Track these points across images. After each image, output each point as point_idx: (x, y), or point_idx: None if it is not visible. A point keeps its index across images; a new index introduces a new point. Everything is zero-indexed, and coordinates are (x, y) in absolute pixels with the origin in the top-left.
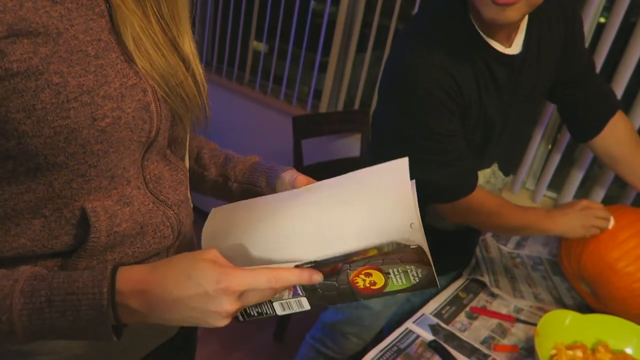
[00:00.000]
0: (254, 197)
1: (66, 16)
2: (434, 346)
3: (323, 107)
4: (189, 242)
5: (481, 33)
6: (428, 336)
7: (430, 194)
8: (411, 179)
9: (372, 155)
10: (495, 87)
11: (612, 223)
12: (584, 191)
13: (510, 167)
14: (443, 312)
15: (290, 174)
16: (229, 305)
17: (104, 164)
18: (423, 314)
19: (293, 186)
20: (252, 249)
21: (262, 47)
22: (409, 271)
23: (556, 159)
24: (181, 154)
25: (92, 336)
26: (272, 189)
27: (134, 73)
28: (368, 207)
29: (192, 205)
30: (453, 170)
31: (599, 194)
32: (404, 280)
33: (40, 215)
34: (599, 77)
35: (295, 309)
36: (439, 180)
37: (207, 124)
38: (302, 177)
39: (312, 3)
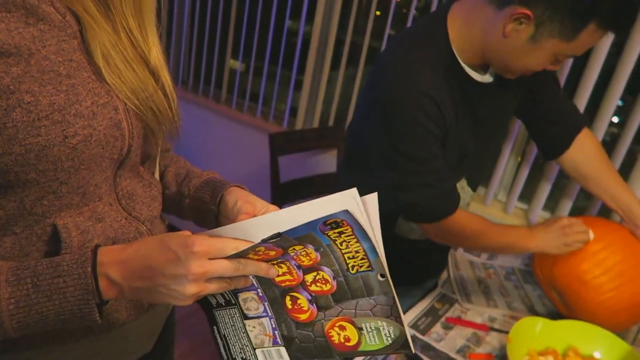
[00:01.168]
0: (204, 212)
1: (39, 37)
2: (410, 357)
3: (299, 124)
4: None
5: (460, 61)
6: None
7: (413, 215)
8: (395, 199)
9: (351, 170)
10: (470, 112)
11: (591, 235)
12: (553, 202)
13: (477, 182)
14: (419, 323)
15: (233, 198)
16: (197, 268)
17: (75, 180)
18: None
19: (235, 214)
20: None
21: (238, 65)
22: (381, 329)
23: (526, 170)
24: (152, 170)
25: (77, 317)
26: (217, 205)
27: (105, 92)
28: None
29: (167, 221)
30: (435, 192)
31: (567, 204)
32: (377, 340)
33: (11, 232)
34: (564, 94)
35: (276, 358)
36: (421, 201)
37: (178, 135)
38: (244, 206)
39: (288, 22)
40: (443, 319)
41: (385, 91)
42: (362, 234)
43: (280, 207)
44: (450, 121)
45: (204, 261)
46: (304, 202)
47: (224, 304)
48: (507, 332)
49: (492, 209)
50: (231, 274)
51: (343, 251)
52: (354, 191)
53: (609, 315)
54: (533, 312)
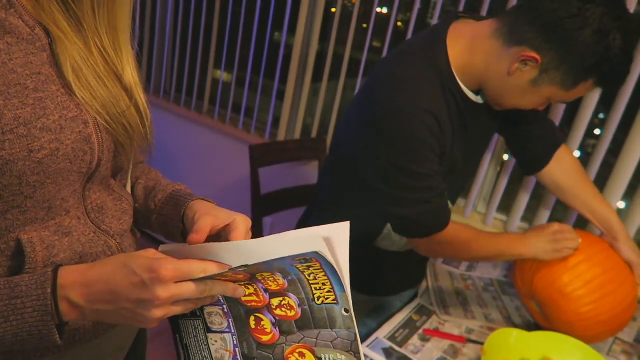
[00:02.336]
0: (171, 228)
1: (5, 50)
2: None
3: (281, 136)
4: None
5: (459, 81)
6: None
7: (406, 230)
8: (389, 215)
9: (336, 184)
10: (464, 131)
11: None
12: (531, 214)
13: (456, 197)
14: (396, 335)
15: (192, 212)
16: (163, 293)
17: (41, 195)
18: (377, 338)
19: (194, 222)
20: None
21: (220, 74)
22: None
23: (504, 182)
24: (124, 183)
25: (36, 339)
26: (182, 221)
27: (74, 105)
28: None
29: (138, 235)
30: (431, 207)
31: (545, 215)
32: None
33: None
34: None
35: None
36: (417, 217)
37: (150, 152)
38: (202, 219)
39: (270, 34)
40: (420, 331)
41: (384, 106)
42: (330, 269)
43: (261, 219)
44: (449, 138)
45: (170, 285)
46: (275, 233)
47: (189, 315)
48: (483, 344)
49: (471, 221)
50: (198, 296)
51: (310, 282)
52: (325, 231)
53: (587, 327)
54: (510, 323)
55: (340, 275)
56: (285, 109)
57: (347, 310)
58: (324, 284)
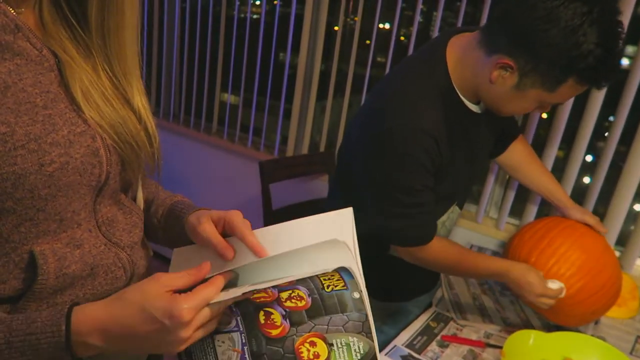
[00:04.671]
0: (180, 243)
1: (15, 71)
2: None
3: (289, 152)
4: None
5: (458, 93)
6: None
7: (389, 238)
8: (373, 222)
9: (342, 194)
10: (466, 142)
11: (563, 294)
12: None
13: (464, 200)
14: (415, 342)
15: (192, 223)
16: (185, 333)
17: (52, 207)
18: (395, 346)
19: (197, 233)
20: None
21: (227, 97)
22: (351, 344)
23: (515, 186)
24: (133, 196)
25: None
26: (186, 234)
27: (82, 121)
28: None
29: (149, 247)
30: (414, 223)
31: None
32: (346, 356)
33: None
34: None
35: None
36: (399, 229)
37: (158, 171)
38: (205, 227)
39: (274, 54)
40: (439, 337)
41: (385, 125)
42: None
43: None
44: (447, 155)
45: (191, 325)
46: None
47: None
48: (502, 347)
49: (484, 227)
50: (214, 316)
51: (319, 275)
52: (330, 218)
53: (577, 304)
54: (529, 326)
55: (349, 269)
56: (292, 127)
57: (357, 294)
58: (332, 275)
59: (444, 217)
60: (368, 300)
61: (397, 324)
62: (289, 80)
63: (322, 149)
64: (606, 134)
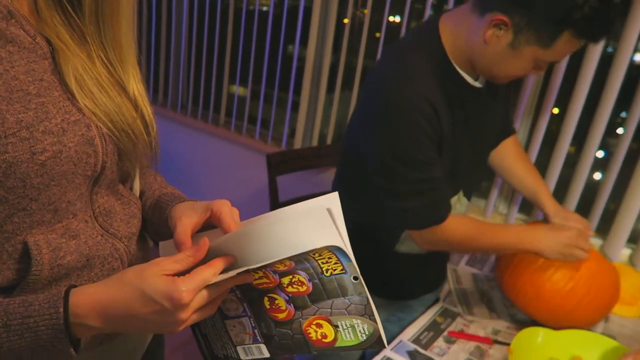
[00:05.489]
0: (163, 236)
1: (7, 59)
2: None
3: (297, 144)
4: None
5: (455, 65)
6: None
7: (403, 222)
8: (385, 207)
9: (345, 186)
10: (464, 118)
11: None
12: None
13: (472, 192)
14: (421, 337)
15: (172, 222)
16: (184, 315)
17: (46, 197)
18: (401, 341)
19: (173, 229)
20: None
21: (236, 89)
22: (356, 326)
23: None
24: (131, 186)
25: (52, 352)
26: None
27: (77, 110)
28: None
29: (151, 244)
30: (428, 200)
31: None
32: (352, 336)
33: None
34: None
35: (256, 354)
36: (413, 209)
37: (156, 160)
38: (180, 233)
39: (283, 47)
40: (445, 333)
41: (382, 97)
42: (334, 247)
43: None
44: (447, 126)
45: (190, 305)
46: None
47: None
48: (510, 344)
49: (493, 222)
50: (213, 297)
51: (316, 258)
52: (320, 203)
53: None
54: (537, 322)
55: (343, 248)
56: (300, 120)
57: (355, 278)
58: (329, 258)
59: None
60: (365, 285)
61: (402, 322)
62: (297, 72)
63: (329, 141)
64: (618, 130)
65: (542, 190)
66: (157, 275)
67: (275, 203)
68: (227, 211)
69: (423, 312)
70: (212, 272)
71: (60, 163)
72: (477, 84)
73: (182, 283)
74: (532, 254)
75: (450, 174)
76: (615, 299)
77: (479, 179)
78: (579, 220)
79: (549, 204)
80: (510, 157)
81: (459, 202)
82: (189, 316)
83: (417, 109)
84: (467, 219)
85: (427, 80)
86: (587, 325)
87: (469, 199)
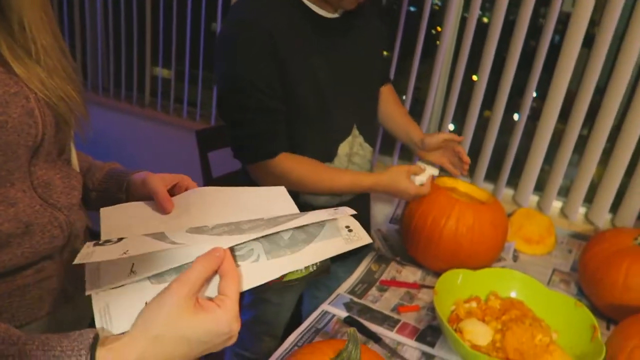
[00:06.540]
0: (112, 202)
1: None
2: (348, 321)
3: None
4: (82, 245)
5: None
6: (343, 313)
7: (239, 154)
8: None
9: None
10: (324, 50)
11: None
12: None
13: (371, 136)
14: (356, 289)
15: (139, 179)
16: (237, 328)
17: None
18: (338, 294)
19: (145, 184)
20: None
21: (158, 70)
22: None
23: (537, 160)
24: (68, 159)
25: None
26: (125, 193)
27: (14, 82)
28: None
29: (86, 211)
30: (256, 131)
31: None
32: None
33: None
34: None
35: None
36: (242, 137)
37: (87, 132)
38: (153, 177)
39: (205, 25)
40: (378, 283)
41: (223, 28)
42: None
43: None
44: (289, 53)
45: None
46: None
47: None
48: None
49: (503, 202)
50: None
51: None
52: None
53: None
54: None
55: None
56: None
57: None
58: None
59: (346, 149)
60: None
61: (330, 289)
62: None
63: None
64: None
65: (413, 127)
66: (191, 314)
67: (209, 179)
68: (194, 183)
69: (357, 265)
70: (239, 288)
71: (6, 133)
72: (330, 15)
73: (227, 315)
74: (422, 219)
75: (320, 109)
76: (502, 232)
77: (372, 121)
78: (448, 134)
79: (418, 133)
80: (387, 103)
81: (361, 147)
82: (239, 324)
83: (250, 34)
84: (305, 159)
85: (264, 8)
86: (487, 262)
87: (370, 145)
